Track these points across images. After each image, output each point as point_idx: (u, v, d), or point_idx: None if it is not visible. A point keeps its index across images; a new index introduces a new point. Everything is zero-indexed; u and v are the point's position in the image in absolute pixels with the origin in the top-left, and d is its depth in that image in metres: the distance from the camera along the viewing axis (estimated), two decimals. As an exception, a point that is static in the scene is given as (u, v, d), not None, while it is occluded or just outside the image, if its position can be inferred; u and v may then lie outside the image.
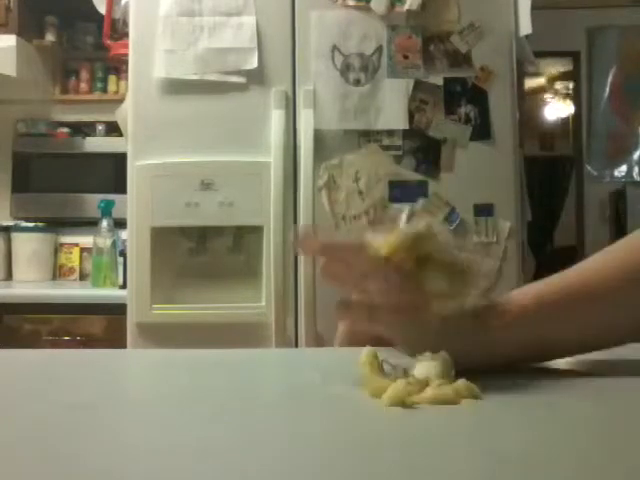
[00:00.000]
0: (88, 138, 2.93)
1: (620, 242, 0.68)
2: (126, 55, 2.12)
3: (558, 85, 5.95)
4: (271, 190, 1.99)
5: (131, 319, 2.02)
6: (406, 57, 2.04)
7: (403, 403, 0.51)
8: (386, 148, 2.03)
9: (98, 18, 2.45)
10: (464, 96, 2.05)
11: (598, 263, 0.67)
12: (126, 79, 2.51)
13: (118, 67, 2.94)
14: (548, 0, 3.45)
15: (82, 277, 2.92)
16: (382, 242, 0.57)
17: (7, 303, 2.33)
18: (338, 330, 0.70)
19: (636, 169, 4.14)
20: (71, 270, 2.94)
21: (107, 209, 2.61)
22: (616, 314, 0.65)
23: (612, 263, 0.66)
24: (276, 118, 2.00)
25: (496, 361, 0.62)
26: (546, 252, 5.17)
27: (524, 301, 0.64)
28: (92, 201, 2.79)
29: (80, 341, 2.27)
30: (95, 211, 2.68)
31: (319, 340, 1.93)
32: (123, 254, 2.40)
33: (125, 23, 2.26)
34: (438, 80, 2.05)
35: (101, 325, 2.29)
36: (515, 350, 0.62)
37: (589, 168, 4.13)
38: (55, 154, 2.89)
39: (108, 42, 2.41)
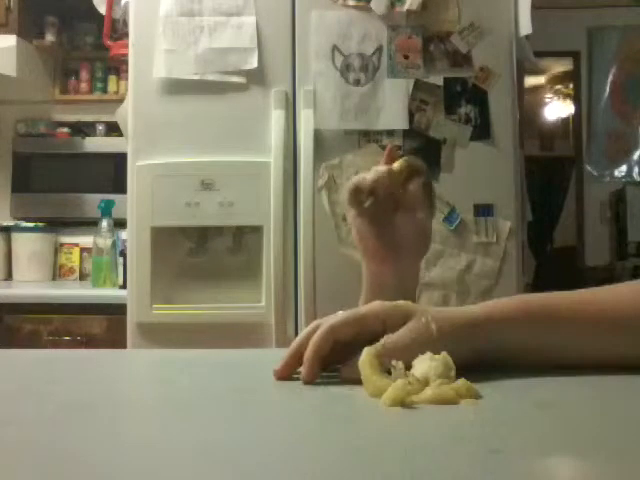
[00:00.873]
0: (88, 138, 2.92)
1: None
2: (126, 55, 2.11)
3: (558, 85, 5.95)
4: (271, 190, 1.98)
5: (131, 319, 2.01)
6: (406, 57, 2.04)
7: (403, 403, 0.51)
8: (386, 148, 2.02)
9: (98, 18, 2.44)
10: (464, 96, 2.05)
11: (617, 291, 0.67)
12: (126, 79, 2.51)
13: (118, 67, 2.94)
14: (548, 0, 3.45)
15: (82, 277, 2.92)
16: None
17: (7, 303, 2.33)
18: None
19: (636, 169, 4.14)
20: (71, 270, 2.94)
21: (107, 209, 2.61)
22: (619, 340, 0.64)
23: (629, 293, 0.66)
24: (276, 118, 2.00)
25: (496, 359, 0.62)
26: (546, 252, 5.17)
27: (525, 307, 0.64)
28: (92, 201, 2.79)
29: (80, 341, 2.27)
30: (95, 211, 2.68)
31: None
32: (123, 254, 2.40)
33: (125, 23, 2.26)
34: (438, 80, 2.05)
35: (101, 325, 2.29)
36: (513, 351, 0.62)
37: (589, 168, 4.13)
38: (55, 154, 2.88)
39: (108, 42, 2.40)
